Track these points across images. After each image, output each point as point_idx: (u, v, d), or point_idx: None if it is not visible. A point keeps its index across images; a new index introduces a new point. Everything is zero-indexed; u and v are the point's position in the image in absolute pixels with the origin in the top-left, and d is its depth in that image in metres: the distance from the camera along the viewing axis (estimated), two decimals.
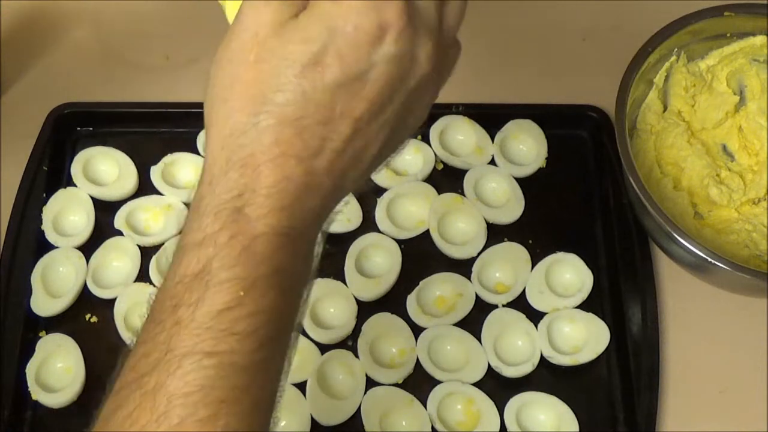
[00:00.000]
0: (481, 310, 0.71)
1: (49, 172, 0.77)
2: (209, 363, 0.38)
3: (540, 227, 0.76)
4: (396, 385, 0.68)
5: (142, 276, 0.72)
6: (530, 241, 0.75)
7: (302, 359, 0.69)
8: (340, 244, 0.74)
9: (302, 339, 0.70)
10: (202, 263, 0.39)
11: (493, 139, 0.79)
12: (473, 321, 0.71)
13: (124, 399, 0.39)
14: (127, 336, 0.69)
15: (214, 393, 0.38)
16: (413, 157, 0.78)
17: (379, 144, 0.43)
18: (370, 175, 0.46)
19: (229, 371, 0.38)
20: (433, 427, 0.67)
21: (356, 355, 0.69)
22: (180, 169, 0.77)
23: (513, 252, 0.74)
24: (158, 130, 0.79)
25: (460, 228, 0.75)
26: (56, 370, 0.68)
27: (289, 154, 0.40)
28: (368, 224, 0.75)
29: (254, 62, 0.40)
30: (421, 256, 0.74)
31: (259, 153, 0.40)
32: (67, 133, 0.79)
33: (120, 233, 0.74)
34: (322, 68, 0.39)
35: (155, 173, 0.76)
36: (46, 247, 0.74)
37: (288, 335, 0.42)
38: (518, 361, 0.69)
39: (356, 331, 0.70)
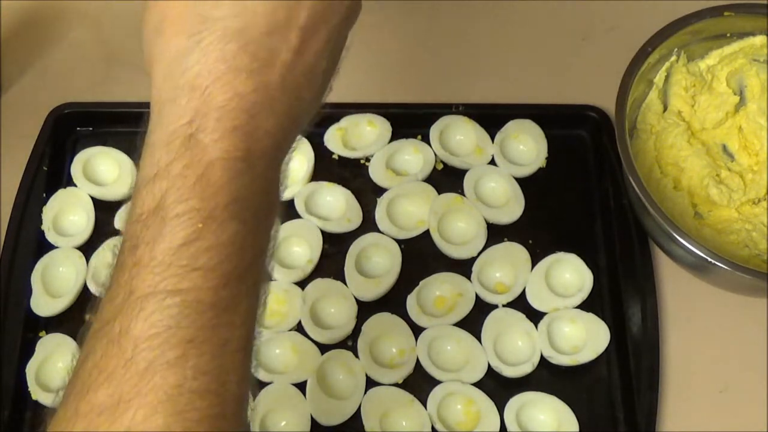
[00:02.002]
0: (481, 310, 0.71)
1: (49, 172, 0.77)
2: (172, 302, 0.36)
3: (540, 227, 0.76)
4: (396, 385, 0.68)
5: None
6: (530, 241, 0.75)
7: (302, 359, 0.69)
8: (340, 244, 0.74)
9: (302, 339, 0.70)
10: (157, 199, 0.38)
11: (493, 139, 0.79)
12: (473, 321, 0.71)
13: (92, 348, 0.37)
14: None
15: (180, 333, 0.36)
16: (413, 157, 0.78)
17: (327, 59, 0.41)
18: (323, 98, 0.44)
19: (193, 309, 0.37)
20: (433, 427, 0.67)
21: (356, 355, 0.69)
22: None
23: (513, 252, 0.74)
24: None
25: (460, 228, 0.75)
26: (56, 370, 0.68)
27: (238, 68, 0.38)
28: (368, 224, 0.75)
29: None
30: (421, 256, 0.74)
31: (206, 72, 0.38)
32: (67, 133, 0.79)
33: (120, 233, 0.74)
34: None
35: None
36: (46, 247, 0.74)
37: (256, 271, 0.40)
38: (518, 361, 0.69)
39: (356, 331, 0.70)
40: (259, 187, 0.40)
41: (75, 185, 0.76)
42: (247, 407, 0.39)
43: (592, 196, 0.77)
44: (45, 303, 0.71)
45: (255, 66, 0.38)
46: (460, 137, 0.79)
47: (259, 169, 0.39)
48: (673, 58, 0.75)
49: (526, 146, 0.79)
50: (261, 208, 0.40)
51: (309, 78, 0.41)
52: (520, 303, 0.72)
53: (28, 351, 0.69)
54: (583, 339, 0.70)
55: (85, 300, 0.72)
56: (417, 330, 0.70)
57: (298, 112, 0.41)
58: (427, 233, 0.75)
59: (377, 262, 0.74)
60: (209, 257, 0.37)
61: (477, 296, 0.72)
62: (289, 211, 0.75)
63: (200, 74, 0.38)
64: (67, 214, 0.75)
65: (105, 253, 0.73)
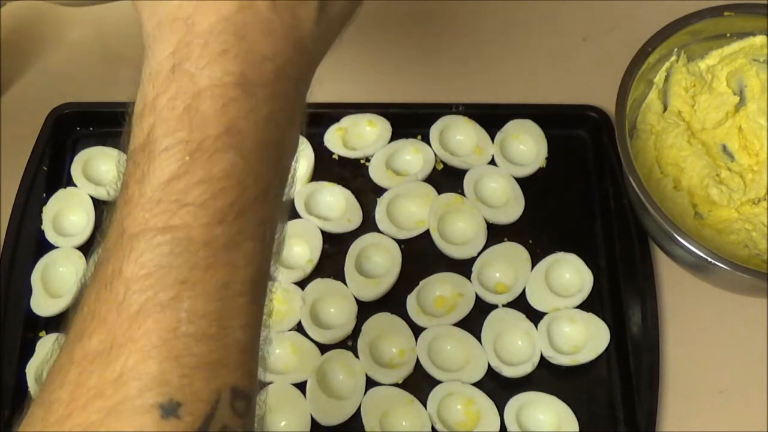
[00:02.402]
0: (481, 310, 0.71)
1: (49, 172, 0.77)
2: (163, 239, 0.34)
3: (540, 227, 0.76)
4: (396, 385, 0.68)
5: None
6: (530, 241, 0.75)
7: (302, 359, 0.69)
8: (340, 244, 0.74)
9: (302, 339, 0.70)
10: (145, 133, 0.36)
11: (493, 139, 0.79)
12: (473, 321, 0.71)
13: (87, 294, 0.36)
14: None
15: (173, 273, 0.34)
16: (413, 157, 0.78)
17: None
18: (339, 23, 0.41)
19: (185, 248, 0.34)
20: (433, 427, 0.67)
21: (356, 355, 0.69)
22: None
23: (513, 252, 0.74)
24: None
25: (460, 228, 0.75)
26: None
27: None
28: (368, 224, 0.75)
29: None
30: (421, 256, 0.74)
31: (187, 1, 0.37)
32: (67, 133, 0.79)
33: None
34: None
35: None
36: (46, 247, 0.74)
37: (262, 209, 0.37)
38: (518, 361, 0.69)
39: (356, 331, 0.70)
40: (263, 117, 0.37)
41: (75, 185, 0.76)
42: (257, 361, 0.37)
43: (592, 196, 0.77)
44: (45, 303, 0.71)
45: None
46: (460, 137, 0.79)
47: (261, 97, 0.37)
48: (673, 58, 0.75)
49: (526, 146, 0.79)
50: (266, 141, 0.37)
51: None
52: (520, 303, 0.72)
53: (28, 351, 0.69)
54: (583, 339, 0.70)
55: None
56: (417, 330, 0.70)
57: (300, 36, 0.38)
58: (427, 233, 0.75)
59: (377, 262, 0.74)
60: (200, 192, 0.35)
61: (477, 296, 0.72)
62: (289, 211, 0.75)
63: (181, 4, 0.37)
64: (67, 214, 0.75)
65: None
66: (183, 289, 0.34)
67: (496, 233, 0.75)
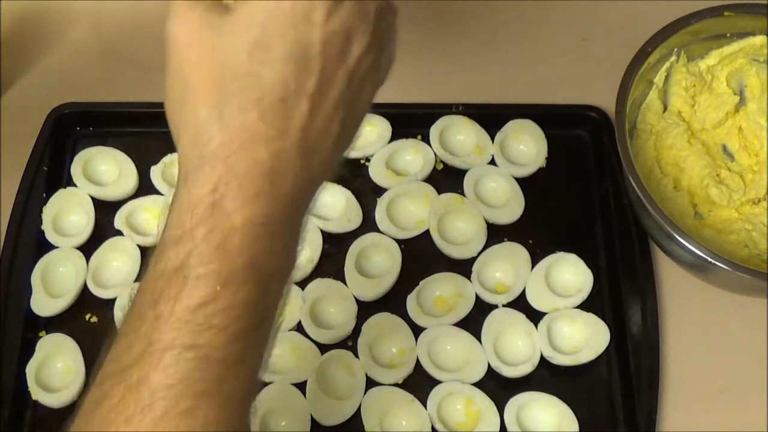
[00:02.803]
0: (481, 310, 0.71)
1: (49, 172, 0.77)
2: (189, 356, 0.39)
3: (540, 227, 0.76)
4: (396, 385, 0.68)
5: (142, 276, 0.72)
6: (530, 241, 0.75)
7: (302, 359, 0.69)
8: (340, 244, 0.74)
9: (302, 339, 0.70)
10: (180, 258, 0.40)
11: (493, 139, 0.79)
12: (473, 321, 0.71)
13: (109, 390, 0.40)
14: None
15: (195, 386, 0.39)
16: (413, 157, 0.78)
17: (339, 122, 0.44)
18: (337, 159, 0.47)
19: (207, 364, 0.40)
20: (433, 427, 0.67)
21: (356, 355, 0.69)
22: None
23: (513, 252, 0.74)
24: (158, 130, 0.78)
25: (460, 228, 0.75)
26: (56, 370, 0.68)
27: (257, 137, 0.41)
28: (368, 224, 0.75)
29: (198, 63, 0.42)
30: (421, 256, 0.74)
31: (228, 142, 0.41)
32: (67, 133, 0.79)
33: (120, 233, 0.74)
34: (267, 48, 0.41)
35: (155, 173, 0.76)
36: (46, 247, 0.74)
37: (265, 329, 0.43)
38: (518, 361, 0.69)
39: (356, 331, 0.70)
40: (276, 251, 0.42)
41: (75, 185, 0.76)
42: None
43: (592, 196, 0.77)
44: (45, 303, 0.71)
45: (272, 133, 0.41)
46: (460, 137, 0.79)
47: (278, 233, 0.42)
48: (673, 58, 0.75)
49: (526, 146, 0.79)
50: (276, 270, 0.43)
51: (321, 141, 0.44)
52: (520, 303, 0.72)
53: (28, 351, 0.69)
54: (583, 339, 0.70)
55: (84, 300, 0.72)
56: (417, 330, 0.70)
57: (314, 174, 0.44)
58: (427, 233, 0.75)
59: (377, 262, 0.74)
60: (223, 317, 0.40)
61: (477, 296, 0.72)
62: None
63: (223, 144, 0.41)
64: (67, 214, 0.75)
65: (105, 253, 0.73)
66: (201, 399, 0.39)
67: (496, 233, 0.75)
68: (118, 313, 0.70)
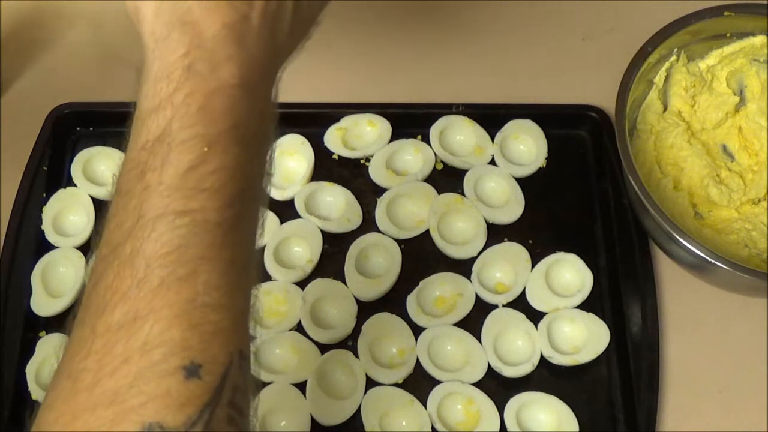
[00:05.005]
0: (481, 310, 0.71)
1: (49, 172, 0.77)
2: (182, 222, 0.38)
3: (540, 227, 0.76)
4: (396, 385, 0.68)
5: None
6: (530, 241, 0.75)
7: (302, 359, 0.69)
8: (340, 244, 0.74)
9: (302, 339, 0.70)
10: (162, 126, 0.40)
11: (493, 139, 0.79)
12: (473, 321, 0.71)
13: (102, 272, 0.39)
14: None
15: (191, 251, 0.38)
16: (413, 157, 0.78)
17: None
18: (301, 34, 0.47)
19: (202, 228, 0.39)
20: (433, 427, 0.67)
21: (356, 355, 0.69)
22: None
23: (513, 252, 0.74)
24: None
25: (460, 228, 0.75)
26: None
27: (222, 2, 0.41)
28: (368, 224, 0.75)
29: None
30: (421, 256, 0.74)
31: (195, 6, 0.41)
32: (67, 133, 0.79)
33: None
34: None
35: None
36: (46, 247, 0.74)
37: (255, 194, 0.43)
38: (518, 361, 0.69)
39: (356, 331, 0.70)
40: (257, 112, 0.42)
41: (75, 185, 0.76)
42: (249, 322, 0.41)
43: (592, 196, 0.77)
44: (45, 303, 0.71)
45: None
46: (460, 137, 0.79)
47: (255, 96, 0.42)
48: (673, 58, 0.75)
49: (526, 146, 0.79)
50: (259, 132, 0.43)
51: (280, 13, 0.44)
52: (520, 303, 0.72)
53: (28, 351, 0.69)
54: (583, 339, 0.70)
55: None
56: (417, 330, 0.70)
57: (279, 43, 0.45)
58: (427, 233, 0.75)
59: (377, 262, 0.74)
60: (215, 179, 0.39)
61: (477, 296, 0.72)
62: (289, 211, 0.75)
63: (190, 9, 0.41)
64: (67, 214, 0.75)
65: None
66: (199, 264, 0.38)
67: (496, 233, 0.75)
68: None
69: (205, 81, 0.40)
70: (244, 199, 0.41)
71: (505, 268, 0.73)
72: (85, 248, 0.73)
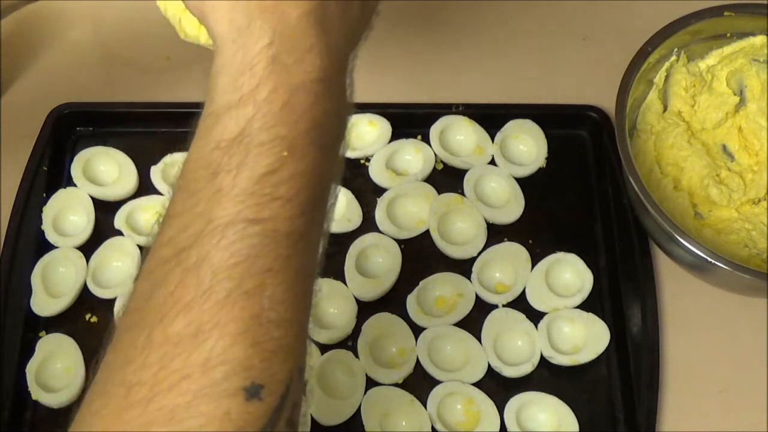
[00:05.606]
0: (481, 310, 0.71)
1: (49, 172, 0.77)
2: (253, 231, 0.36)
3: (540, 227, 0.76)
4: (396, 385, 0.68)
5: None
6: (530, 241, 0.75)
7: None
8: (340, 244, 0.74)
9: None
10: (240, 125, 0.38)
11: (493, 139, 0.79)
12: (473, 321, 0.71)
13: (163, 277, 0.37)
14: None
15: (259, 262, 0.36)
16: (413, 157, 0.78)
17: None
18: (365, 23, 0.45)
19: (271, 239, 0.37)
20: (433, 427, 0.67)
21: (356, 355, 0.69)
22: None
23: (513, 252, 0.74)
24: (158, 130, 0.79)
25: (460, 228, 0.75)
26: (56, 370, 0.68)
27: None
28: (368, 224, 0.75)
29: None
30: (421, 256, 0.74)
31: None
32: (67, 133, 0.79)
33: (120, 233, 0.74)
34: None
35: (155, 173, 0.76)
36: (46, 247, 0.74)
37: (326, 200, 0.41)
38: (518, 361, 0.69)
39: (356, 331, 0.70)
40: (334, 110, 0.40)
41: (75, 185, 0.76)
42: (307, 333, 0.40)
43: (592, 196, 0.77)
44: (45, 303, 0.71)
45: None
46: (460, 137, 0.79)
47: (333, 91, 0.40)
48: (673, 58, 0.75)
49: (526, 146, 0.79)
50: (335, 132, 0.40)
51: None
52: (520, 303, 0.72)
53: (28, 351, 0.69)
54: (583, 339, 0.70)
55: (84, 300, 0.72)
56: (417, 330, 0.70)
57: (353, 30, 0.42)
58: (427, 233, 0.75)
59: (377, 262, 0.74)
60: (290, 186, 0.37)
61: (477, 296, 0.72)
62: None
63: None
64: (67, 214, 0.75)
65: (105, 253, 0.73)
66: (267, 277, 0.36)
67: (496, 233, 0.75)
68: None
69: (289, 74, 0.38)
70: (315, 206, 0.39)
71: (505, 268, 0.73)
72: (85, 248, 0.73)
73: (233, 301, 0.36)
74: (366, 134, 0.79)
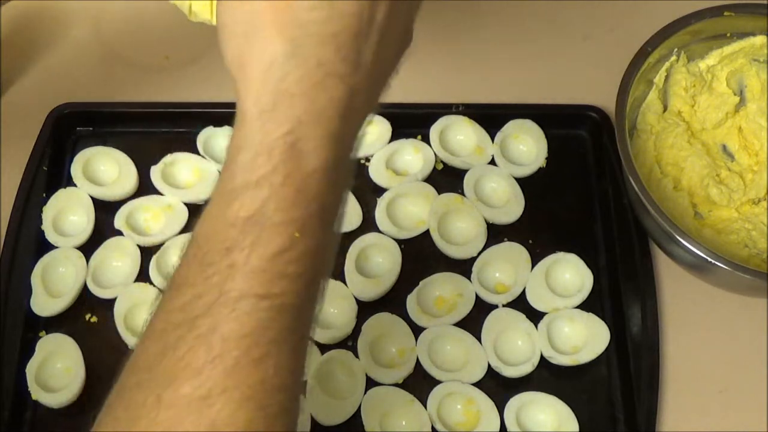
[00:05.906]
0: (481, 310, 0.71)
1: (49, 172, 0.77)
2: (263, 305, 0.39)
3: (540, 227, 0.76)
4: (396, 385, 0.68)
5: (142, 276, 0.72)
6: (530, 241, 0.75)
7: None
8: (340, 244, 0.74)
9: None
10: (256, 205, 0.39)
11: (493, 139, 0.79)
12: (473, 321, 0.71)
13: (175, 341, 0.39)
14: (127, 336, 0.69)
15: (267, 334, 0.39)
16: (413, 157, 0.78)
17: (396, 50, 0.44)
18: (377, 101, 0.45)
19: (278, 312, 0.39)
20: (433, 427, 0.67)
21: (356, 355, 0.69)
22: (180, 169, 0.77)
23: (513, 252, 0.74)
24: (158, 130, 0.79)
25: (460, 228, 0.75)
26: (56, 370, 0.68)
27: (333, 74, 0.39)
28: (368, 224, 0.75)
29: None
30: (421, 256, 0.74)
31: (306, 79, 0.39)
32: (67, 133, 0.79)
33: (120, 233, 0.74)
34: None
35: (155, 173, 0.76)
36: (46, 247, 0.74)
37: (327, 272, 0.43)
38: (518, 361, 0.69)
39: (356, 331, 0.70)
40: (339, 191, 0.42)
41: (75, 185, 0.76)
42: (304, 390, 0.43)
43: (592, 196, 0.77)
44: (45, 303, 0.71)
45: (347, 70, 0.40)
46: (460, 137, 0.79)
47: (343, 175, 0.42)
48: (673, 58, 0.75)
49: (526, 146, 0.79)
50: (338, 211, 0.43)
51: (383, 75, 0.43)
52: (520, 303, 0.72)
53: (28, 351, 0.69)
54: (583, 339, 0.70)
55: (84, 300, 0.72)
56: (417, 330, 0.70)
57: (370, 111, 0.43)
58: (427, 233, 0.75)
59: (377, 262, 0.74)
60: (298, 265, 0.40)
61: (477, 296, 0.72)
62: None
63: (300, 80, 0.39)
64: (67, 214, 0.75)
65: (105, 253, 0.73)
66: (273, 347, 0.39)
67: (496, 233, 0.75)
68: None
69: (305, 161, 0.39)
70: (318, 279, 0.41)
71: (505, 268, 0.73)
72: (85, 248, 0.73)
73: (241, 368, 0.38)
74: (366, 134, 0.79)
